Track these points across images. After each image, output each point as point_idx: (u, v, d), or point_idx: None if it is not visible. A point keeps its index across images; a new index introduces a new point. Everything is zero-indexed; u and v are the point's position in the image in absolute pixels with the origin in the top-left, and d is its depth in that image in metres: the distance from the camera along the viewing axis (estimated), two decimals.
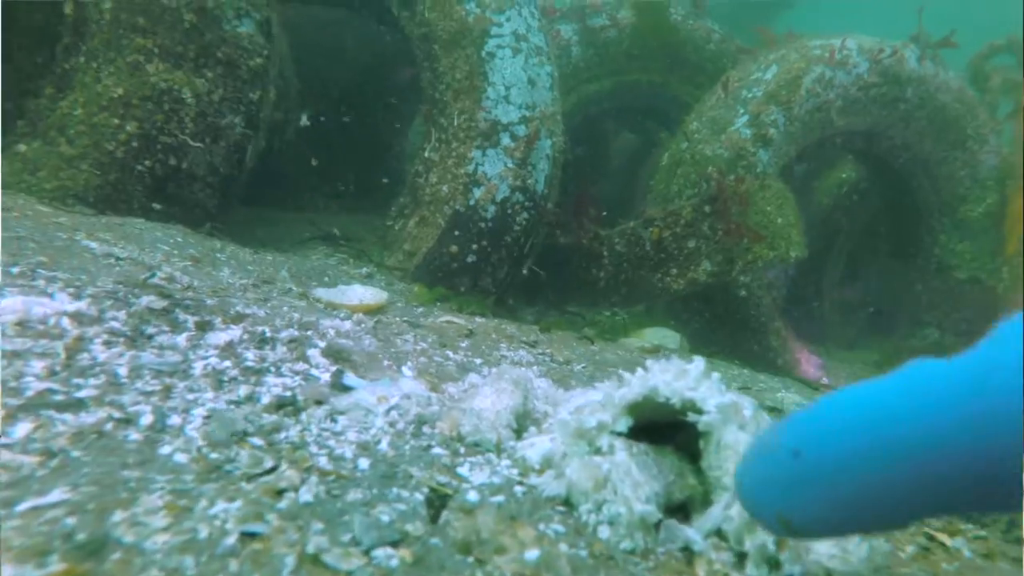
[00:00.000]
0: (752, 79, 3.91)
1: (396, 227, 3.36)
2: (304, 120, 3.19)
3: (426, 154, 3.31)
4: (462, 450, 0.88)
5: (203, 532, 0.56)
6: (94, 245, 1.75)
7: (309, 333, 1.25)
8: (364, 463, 0.79)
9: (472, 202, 3.06)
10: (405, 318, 1.93)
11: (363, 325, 1.60)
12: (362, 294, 2.09)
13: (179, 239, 2.25)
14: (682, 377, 0.84)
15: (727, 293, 3.09)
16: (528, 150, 3.10)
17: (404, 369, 1.16)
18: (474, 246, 3.09)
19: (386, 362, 1.21)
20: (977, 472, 0.39)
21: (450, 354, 1.46)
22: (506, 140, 3.10)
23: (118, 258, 1.70)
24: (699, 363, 0.84)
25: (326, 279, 2.77)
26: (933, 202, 4.45)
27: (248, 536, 0.56)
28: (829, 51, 3.86)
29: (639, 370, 0.87)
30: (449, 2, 3.17)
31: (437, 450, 0.86)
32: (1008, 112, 5.15)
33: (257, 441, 0.79)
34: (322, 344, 1.18)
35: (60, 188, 2.22)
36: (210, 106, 2.44)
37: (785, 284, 4.26)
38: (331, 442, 0.83)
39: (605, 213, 3.08)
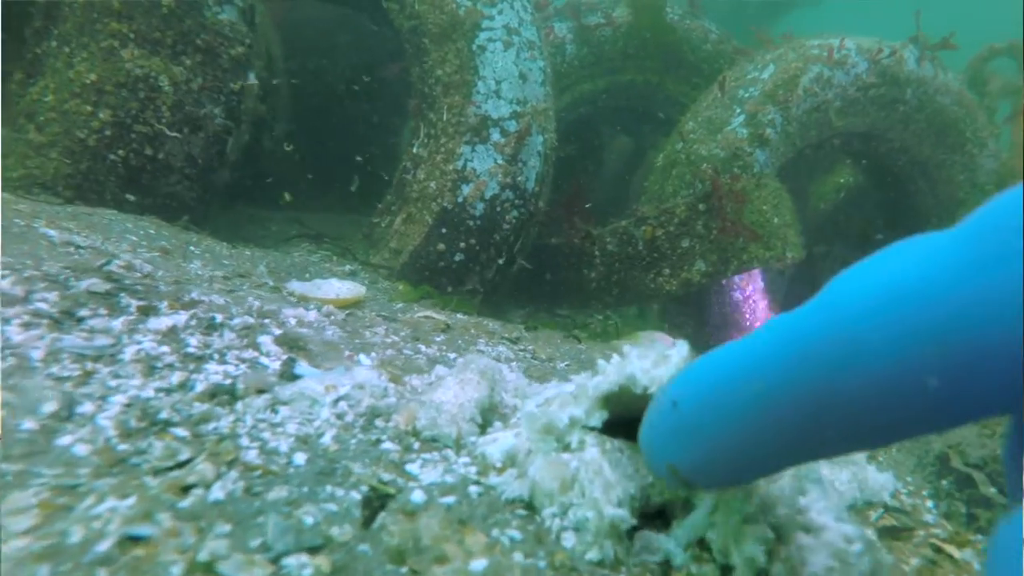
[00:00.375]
0: (749, 78, 3.84)
1: (382, 224, 3.28)
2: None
3: (414, 150, 3.23)
4: (416, 445, 0.79)
5: (75, 536, 0.47)
6: (53, 233, 1.66)
7: (266, 321, 1.16)
8: (300, 458, 0.70)
9: (460, 199, 2.98)
10: (382, 312, 1.84)
11: (332, 317, 1.51)
12: (338, 288, 2.01)
13: (151, 231, 2.16)
14: (662, 364, 0.75)
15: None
16: (519, 146, 3.02)
17: (363, 358, 1.07)
18: (462, 244, 3.00)
19: (347, 352, 1.12)
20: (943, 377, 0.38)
21: (422, 348, 1.37)
22: (496, 136, 3.02)
23: (78, 246, 1.62)
24: (682, 348, 0.75)
25: (307, 275, 2.68)
26: (931, 206, 4.38)
27: (131, 540, 0.48)
28: (827, 51, 3.79)
29: (615, 357, 0.78)
30: None
31: (387, 445, 0.77)
32: (1007, 116, 5.09)
33: (180, 432, 0.70)
34: (278, 332, 1.10)
35: (27, 177, 2.14)
36: (188, 95, 2.36)
37: (783, 287, 4.18)
38: (266, 434, 0.74)
39: (589, 206, 2.99)
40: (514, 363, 1.42)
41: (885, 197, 4.54)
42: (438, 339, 1.50)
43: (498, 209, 3.02)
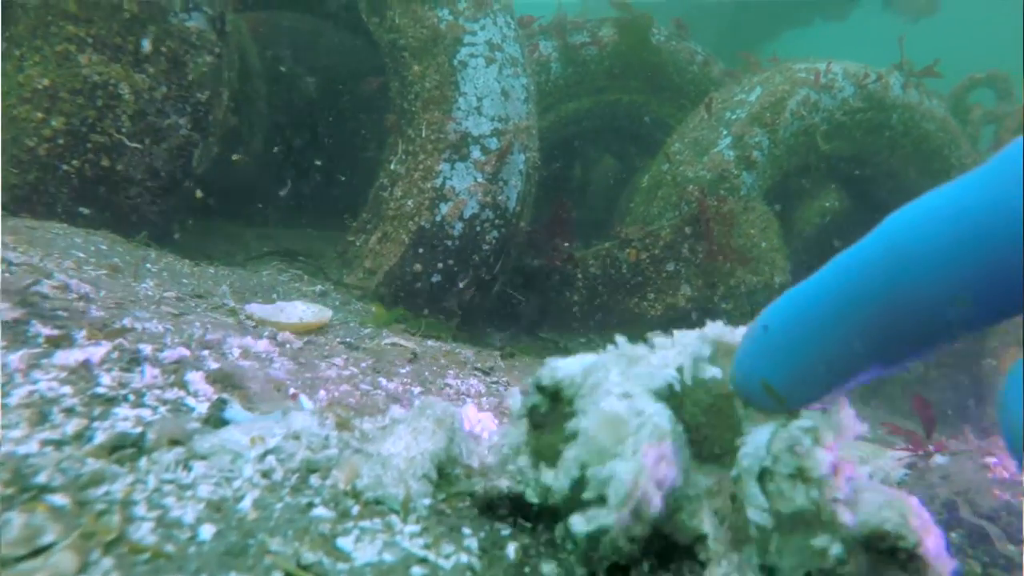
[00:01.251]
0: (736, 100, 3.80)
1: (357, 243, 3.16)
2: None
3: (392, 166, 3.13)
4: (355, 510, 0.67)
5: None
6: None
7: (204, 353, 1.03)
8: (207, 531, 0.58)
9: (438, 218, 2.87)
10: (346, 339, 1.72)
11: (288, 346, 1.39)
12: (302, 311, 1.88)
13: (103, 247, 2.02)
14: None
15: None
16: (500, 164, 2.92)
17: (305, 400, 0.94)
18: (439, 265, 2.89)
19: (292, 390, 0.99)
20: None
21: (383, 382, 1.24)
22: (476, 153, 2.92)
23: (10, 263, 1.48)
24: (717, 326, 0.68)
25: (274, 296, 2.55)
26: None
27: None
28: (814, 74, 3.76)
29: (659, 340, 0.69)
30: (421, 8, 3.01)
31: (320, 510, 0.65)
32: (989, 145, 5.11)
33: (59, 500, 0.57)
34: (214, 366, 0.97)
35: None
36: (151, 104, 2.23)
37: None
38: (170, 499, 0.61)
39: (571, 227, 2.89)
40: (484, 399, 1.30)
41: (871, 222, 4.49)
42: (403, 371, 1.37)
43: (477, 229, 2.91)
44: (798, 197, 4.73)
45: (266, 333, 1.44)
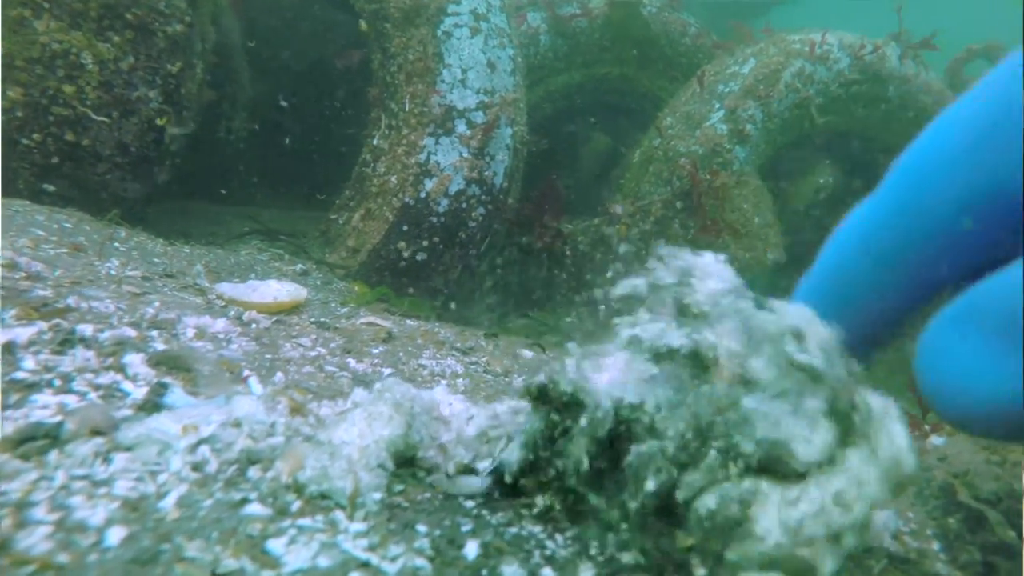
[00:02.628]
0: (729, 73, 3.69)
1: (340, 221, 3.07)
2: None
3: (374, 142, 3.03)
4: (296, 506, 0.60)
5: None
6: None
7: (153, 334, 0.96)
8: (116, 535, 0.51)
9: (423, 195, 2.78)
10: (321, 319, 1.64)
11: (254, 326, 1.31)
12: (276, 290, 1.80)
13: (67, 225, 1.93)
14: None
15: None
16: (486, 139, 2.83)
17: (255, 384, 0.87)
18: (425, 243, 2.81)
19: (246, 372, 0.92)
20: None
21: (352, 363, 1.17)
22: (462, 127, 2.83)
23: None
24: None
25: (252, 276, 2.46)
26: None
27: None
28: (809, 45, 3.66)
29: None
30: None
31: (254, 507, 0.58)
32: None
33: None
34: (162, 348, 0.89)
35: None
36: (117, 75, 2.13)
37: None
38: (77, 499, 0.54)
39: (560, 203, 2.81)
40: (460, 380, 1.23)
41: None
42: (375, 351, 1.30)
43: (463, 205, 2.83)
44: (793, 172, 4.65)
45: (232, 312, 1.37)
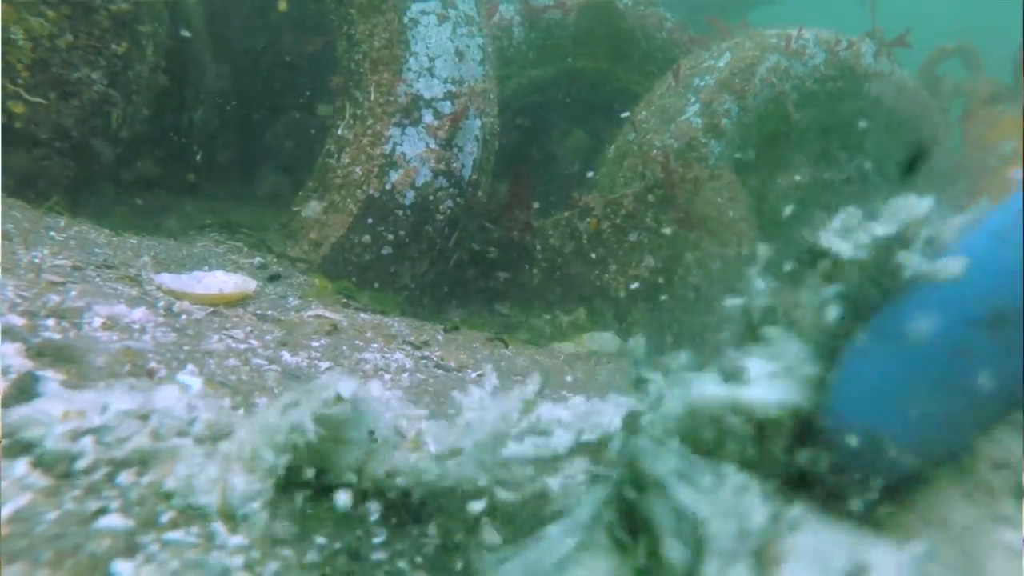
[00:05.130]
0: (704, 67, 3.64)
1: (302, 213, 2.95)
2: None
3: (339, 132, 2.92)
4: (166, 517, 0.50)
5: None
6: None
7: (48, 323, 0.86)
8: None
9: (388, 186, 2.68)
10: (267, 311, 1.54)
11: (184, 317, 1.21)
12: (223, 282, 1.69)
13: None
14: None
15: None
16: (453, 130, 2.74)
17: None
18: (390, 236, 2.70)
19: (152, 364, 0.82)
20: None
21: (286, 356, 1.08)
22: (428, 117, 2.73)
23: None
24: None
25: (206, 268, 2.34)
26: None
27: None
28: (785, 40, 3.62)
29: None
30: None
31: (112, 520, 0.48)
32: (960, 116, 5.05)
33: None
34: (54, 337, 0.79)
35: None
36: (54, 54, 2.00)
37: None
38: None
39: (532, 197, 2.73)
40: (406, 375, 1.14)
41: (840, 194, 4.40)
42: (316, 344, 1.21)
43: (430, 198, 2.73)
44: (768, 167, 4.61)
45: (161, 303, 1.26)
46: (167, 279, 1.63)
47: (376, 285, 2.69)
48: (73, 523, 0.48)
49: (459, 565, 0.53)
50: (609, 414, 0.67)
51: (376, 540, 0.54)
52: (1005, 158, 4.15)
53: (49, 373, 0.70)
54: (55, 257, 1.61)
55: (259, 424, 0.58)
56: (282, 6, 2.73)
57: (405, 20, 2.78)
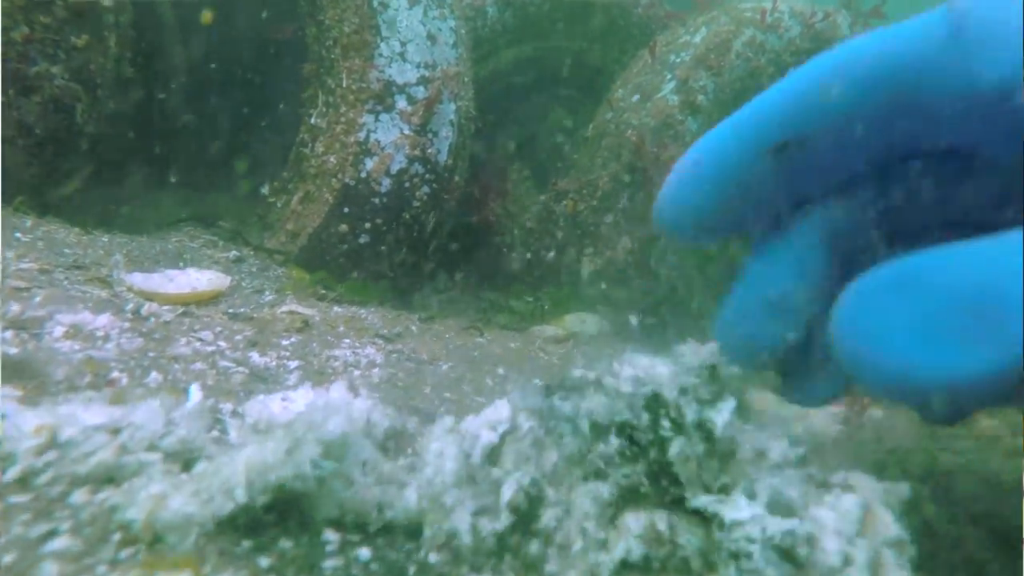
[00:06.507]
0: (680, 43, 3.62)
1: (278, 204, 2.93)
2: None
3: (312, 120, 2.89)
4: (116, 536, 0.51)
5: None
6: None
7: (6, 335, 0.85)
8: None
9: (363, 174, 2.67)
10: (240, 308, 1.54)
11: (153, 320, 1.21)
12: (196, 279, 1.69)
13: None
14: None
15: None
16: (428, 115, 2.72)
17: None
18: (367, 225, 2.70)
19: (115, 374, 0.83)
20: None
21: (254, 356, 1.08)
22: (402, 103, 2.71)
23: None
24: None
25: (180, 264, 2.33)
26: None
27: None
28: (760, 13, 3.60)
29: None
30: None
31: (62, 542, 0.49)
32: None
33: None
34: (11, 351, 0.79)
35: None
36: (11, 47, 1.96)
37: None
38: None
39: (508, 180, 2.73)
40: (376, 370, 1.15)
41: None
42: (285, 343, 1.21)
43: (407, 185, 2.72)
44: None
45: (130, 306, 1.26)
46: (138, 279, 1.62)
47: (355, 274, 2.69)
48: (19, 548, 0.48)
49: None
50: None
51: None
52: None
53: (6, 390, 0.70)
54: (20, 260, 1.59)
55: (255, 460, 0.58)
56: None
57: (375, 4, 2.74)
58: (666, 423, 0.59)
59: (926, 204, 0.56)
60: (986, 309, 0.43)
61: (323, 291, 2.30)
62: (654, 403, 0.59)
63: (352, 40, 2.75)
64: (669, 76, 3.52)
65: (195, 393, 0.76)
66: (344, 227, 2.68)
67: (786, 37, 3.68)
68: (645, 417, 0.59)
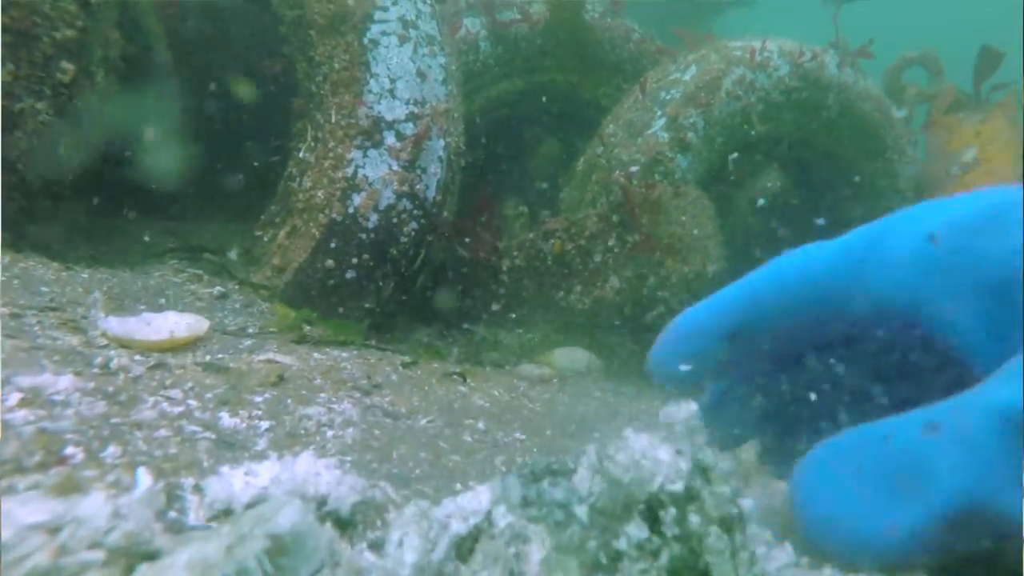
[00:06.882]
0: (671, 80, 3.66)
1: (265, 238, 2.91)
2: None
3: (300, 155, 2.88)
4: None
5: None
6: None
7: None
8: None
9: (351, 210, 2.65)
10: (218, 355, 1.51)
11: (122, 376, 1.17)
12: (174, 323, 1.65)
13: None
14: None
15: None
16: (416, 151, 2.71)
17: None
18: (354, 260, 2.67)
19: (69, 450, 0.79)
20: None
21: (224, 418, 1.05)
22: (391, 139, 2.70)
23: None
24: None
25: (162, 301, 2.30)
26: (855, 213, 4.32)
27: None
28: (750, 52, 3.65)
29: None
30: None
31: None
32: (923, 124, 5.13)
33: None
34: None
35: None
36: None
37: None
38: None
39: (496, 217, 2.72)
40: (352, 429, 1.11)
41: (813, 205, 4.45)
42: (259, 399, 1.17)
43: (394, 220, 2.70)
44: (737, 177, 4.65)
45: (98, 359, 1.22)
46: (114, 324, 1.58)
47: (340, 310, 2.66)
48: None
49: None
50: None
51: None
52: (965, 166, 4.23)
53: None
54: None
55: (196, 560, 0.55)
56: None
57: (365, 41, 2.75)
58: (695, 517, 0.57)
59: (824, 379, 0.74)
60: (910, 480, 0.54)
61: (306, 328, 2.26)
62: (673, 496, 0.57)
63: (342, 76, 2.76)
64: (659, 113, 3.55)
65: (144, 477, 0.73)
66: (331, 262, 2.66)
67: (775, 76, 3.72)
68: (672, 511, 0.57)
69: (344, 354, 1.76)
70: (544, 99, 4.26)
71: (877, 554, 0.54)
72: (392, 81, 2.73)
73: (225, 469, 0.82)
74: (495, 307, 2.80)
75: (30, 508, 0.59)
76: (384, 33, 2.77)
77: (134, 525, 0.62)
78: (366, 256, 2.68)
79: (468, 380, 1.70)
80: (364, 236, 2.66)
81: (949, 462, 0.53)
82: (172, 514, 0.71)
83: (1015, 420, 0.51)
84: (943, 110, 4.52)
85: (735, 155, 3.57)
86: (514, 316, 2.77)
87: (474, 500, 0.74)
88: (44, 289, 1.89)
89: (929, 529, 0.53)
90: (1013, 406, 0.52)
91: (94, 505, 0.62)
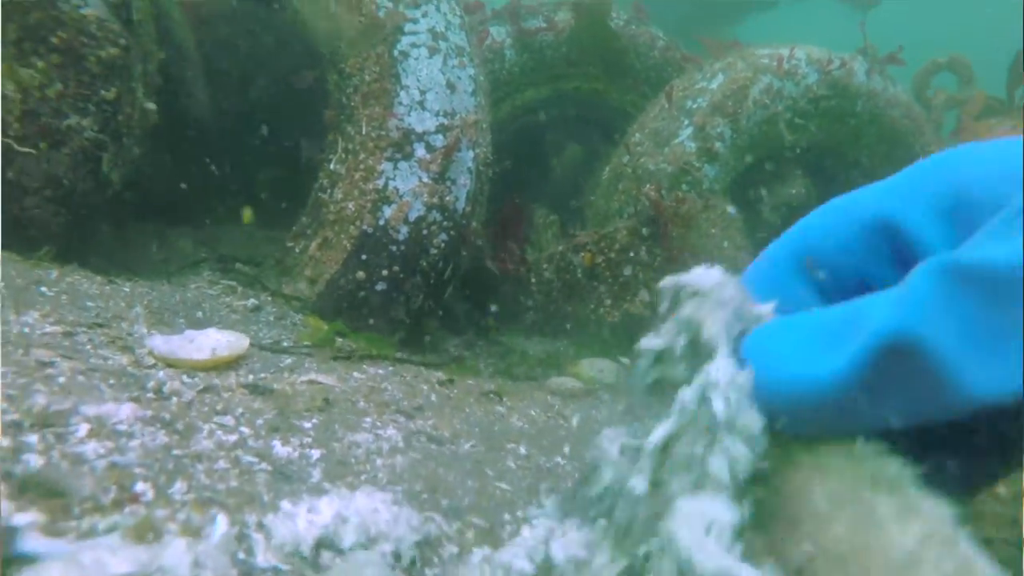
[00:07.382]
0: (697, 88, 3.64)
1: (296, 250, 2.95)
2: None
3: (331, 166, 2.91)
4: None
5: None
6: None
7: (32, 440, 0.85)
8: None
9: (382, 222, 2.68)
10: (260, 375, 1.53)
11: (174, 400, 1.20)
12: (215, 341, 1.68)
13: None
14: None
15: None
16: (446, 163, 2.73)
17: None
18: (384, 272, 2.70)
19: (139, 486, 0.82)
20: None
21: (277, 446, 1.07)
22: (421, 151, 2.72)
23: None
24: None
25: (199, 314, 2.35)
26: None
27: None
28: (777, 60, 3.62)
29: None
30: None
31: None
32: (953, 130, 5.05)
33: None
34: (34, 464, 0.79)
35: None
36: (44, 104, 1.99)
37: None
38: None
39: (525, 227, 2.73)
40: (400, 457, 1.13)
41: None
42: (307, 425, 1.20)
43: (424, 232, 2.72)
44: (764, 185, 4.61)
45: (151, 384, 1.25)
46: (159, 343, 1.62)
47: (371, 322, 2.69)
48: None
49: None
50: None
51: None
52: None
53: (30, 516, 0.69)
54: (46, 321, 1.60)
55: None
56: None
57: (395, 53, 2.78)
58: None
59: None
60: (845, 330, 0.57)
61: (339, 340, 2.29)
62: None
63: (372, 88, 2.78)
64: (686, 122, 3.54)
65: (221, 523, 0.75)
66: (362, 274, 2.68)
67: (803, 84, 3.69)
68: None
69: (381, 371, 1.78)
70: (569, 106, 4.26)
71: (812, 403, 0.57)
72: (422, 93, 2.75)
73: (286, 504, 0.84)
74: (524, 318, 2.81)
75: (119, 558, 0.61)
76: (414, 45, 2.79)
77: (212, 574, 0.64)
78: (396, 268, 2.70)
79: (504, 399, 1.72)
80: (395, 248, 2.69)
81: (883, 307, 0.55)
82: (240, 555, 0.73)
83: (954, 269, 0.52)
84: (974, 116, 4.44)
85: (768, 165, 3.54)
86: (544, 327, 2.78)
87: (530, 537, 0.75)
88: (90, 304, 1.94)
89: (856, 369, 0.54)
90: (955, 259, 0.53)
91: (176, 554, 0.64)
